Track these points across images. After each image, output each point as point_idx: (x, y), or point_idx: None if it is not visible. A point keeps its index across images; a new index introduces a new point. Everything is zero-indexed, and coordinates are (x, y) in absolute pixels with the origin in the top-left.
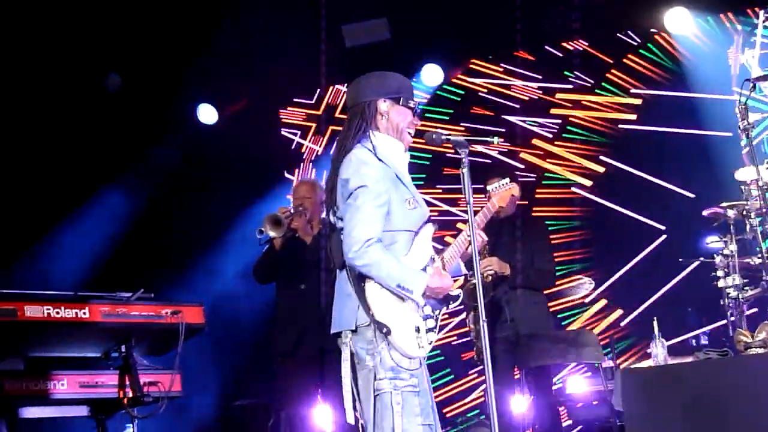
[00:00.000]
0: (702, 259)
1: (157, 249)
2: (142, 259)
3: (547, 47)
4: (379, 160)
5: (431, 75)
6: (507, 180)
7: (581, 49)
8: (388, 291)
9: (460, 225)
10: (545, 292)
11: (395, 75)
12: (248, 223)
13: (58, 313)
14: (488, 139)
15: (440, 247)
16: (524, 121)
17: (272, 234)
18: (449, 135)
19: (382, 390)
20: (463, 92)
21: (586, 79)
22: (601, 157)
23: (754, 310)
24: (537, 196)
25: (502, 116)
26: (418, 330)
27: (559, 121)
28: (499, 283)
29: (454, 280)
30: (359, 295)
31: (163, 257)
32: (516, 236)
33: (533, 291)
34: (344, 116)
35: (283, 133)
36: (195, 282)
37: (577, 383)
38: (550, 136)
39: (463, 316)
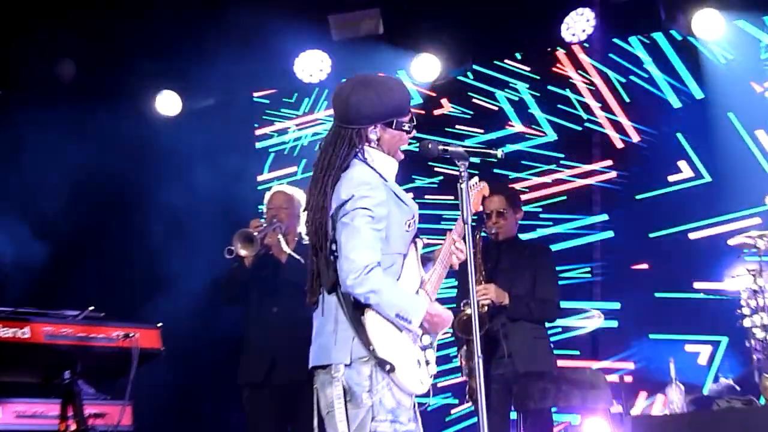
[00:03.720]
0: (726, 294)
1: (109, 261)
2: (91, 272)
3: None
4: (381, 178)
5: (424, 68)
6: (475, 180)
7: None
8: (387, 321)
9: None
10: (548, 325)
11: (391, 93)
12: (215, 234)
13: None
14: (492, 151)
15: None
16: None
17: (243, 253)
18: (447, 145)
19: None
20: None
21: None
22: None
23: None
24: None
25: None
26: (419, 364)
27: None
28: (496, 314)
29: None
30: (356, 326)
31: (116, 270)
32: (517, 262)
33: (534, 324)
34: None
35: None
36: (152, 300)
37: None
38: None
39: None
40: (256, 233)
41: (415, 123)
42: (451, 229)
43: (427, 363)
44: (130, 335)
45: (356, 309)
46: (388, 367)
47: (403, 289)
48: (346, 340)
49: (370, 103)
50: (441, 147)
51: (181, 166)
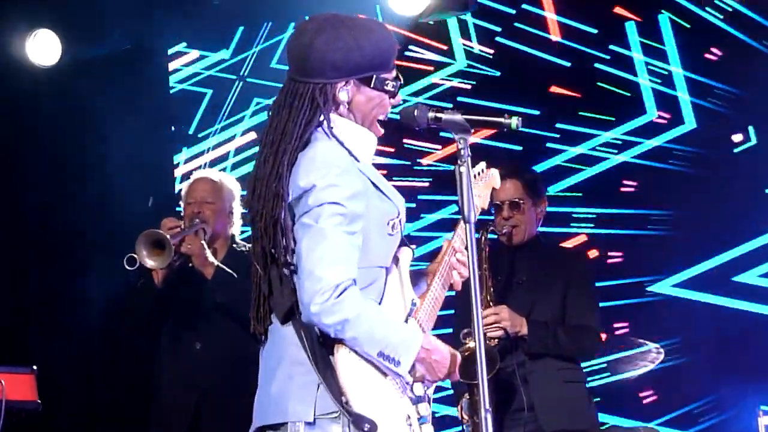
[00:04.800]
0: None
1: None
2: None
3: None
4: (353, 157)
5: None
6: (482, 166)
7: None
8: (366, 362)
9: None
10: (584, 364)
11: (371, 37)
12: (113, 238)
13: None
14: (503, 120)
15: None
16: None
17: (151, 264)
18: (440, 112)
19: None
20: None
21: None
22: None
23: None
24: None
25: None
26: (409, 421)
27: None
28: (511, 349)
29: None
30: (322, 369)
31: None
32: (540, 273)
33: (565, 362)
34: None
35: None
36: (24, 334)
37: None
38: None
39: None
40: (169, 236)
41: (401, 83)
42: (451, 236)
43: (421, 421)
44: None
45: (323, 345)
46: (367, 426)
47: (390, 316)
48: (308, 388)
49: (343, 48)
50: (432, 114)
51: (66, 138)
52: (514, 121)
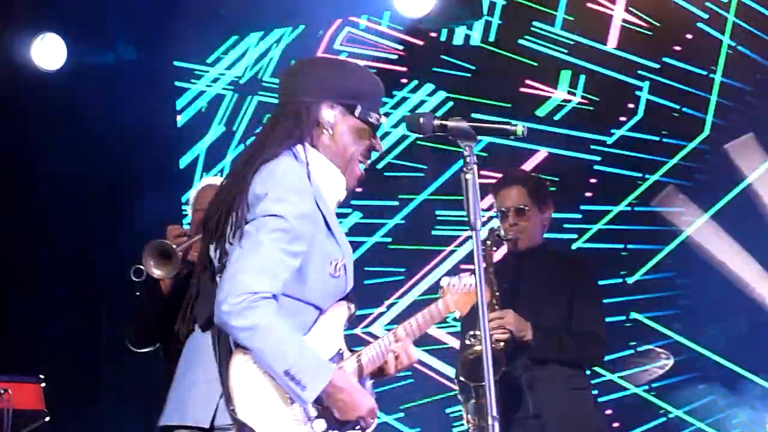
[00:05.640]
0: None
1: None
2: None
3: None
4: (309, 181)
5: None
6: (464, 279)
7: None
8: (264, 374)
9: None
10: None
11: (358, 72)
12: (118, 247)
13: None
14: (509, 127)
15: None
16: None
17: (158, 274)
18: (445, 120)
19: None
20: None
21: None
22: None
23: None
24: None
25: None
26: None
27: None
28: (517, 354)
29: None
30: (223, 374)
31: None
32: (546, 280)
33: (571, 369)
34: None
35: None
36: (32, 344)
37: None
38: None
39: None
40: (175, 245)
41: (383, 122)
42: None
43: None
44: (1, 392)
45: (228, 348)
46: None
47: (305, 342)
48: (211, 395)
49: (331, 72)
50: (437, 122)
51: (70, 143)
52: (519, 128)
